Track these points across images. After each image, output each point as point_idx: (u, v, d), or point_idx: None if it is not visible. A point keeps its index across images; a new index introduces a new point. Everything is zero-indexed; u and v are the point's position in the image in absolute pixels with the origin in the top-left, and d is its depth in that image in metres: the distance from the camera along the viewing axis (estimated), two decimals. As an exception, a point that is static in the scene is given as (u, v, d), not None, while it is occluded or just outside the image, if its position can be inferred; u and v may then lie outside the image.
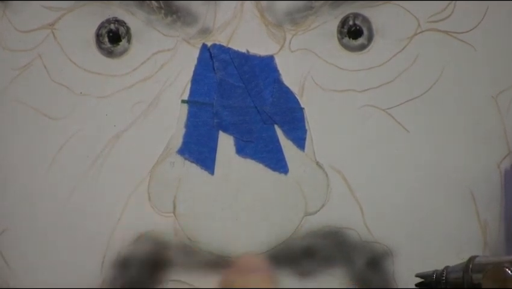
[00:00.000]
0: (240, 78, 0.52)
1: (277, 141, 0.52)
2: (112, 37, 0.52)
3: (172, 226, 0.52)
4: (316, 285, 0.52)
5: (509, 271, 0.41)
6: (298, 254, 0.52)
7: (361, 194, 0.53)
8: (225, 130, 0.52)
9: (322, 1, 0.52)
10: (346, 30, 0.53)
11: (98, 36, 0.52)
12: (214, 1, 0.52)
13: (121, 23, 0.52)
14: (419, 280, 0.48)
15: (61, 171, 0.52)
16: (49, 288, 0.52)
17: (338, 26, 0.53)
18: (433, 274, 0.46)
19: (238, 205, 0.52)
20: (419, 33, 0.53)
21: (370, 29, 0.53)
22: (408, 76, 0.53)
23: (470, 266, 0.44)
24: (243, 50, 0.52)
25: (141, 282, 0.52)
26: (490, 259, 0.44)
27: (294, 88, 0.53)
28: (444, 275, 0.46)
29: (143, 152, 0.52)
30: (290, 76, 0.52)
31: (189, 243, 0.52)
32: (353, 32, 0.53)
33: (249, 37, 0.52)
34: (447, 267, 0.46)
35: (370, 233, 0.53)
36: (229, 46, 0.52)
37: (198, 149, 0.52)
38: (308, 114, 0.53)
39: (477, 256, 0.45)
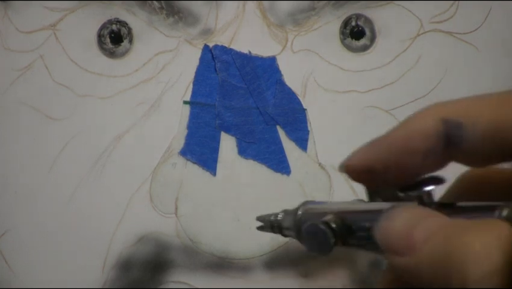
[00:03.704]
0: (242, 79, 0.52)
1: (280, 142, 0.52)
2: (114, 38, 0.52)
3: (174, 227, 0.52)
4: (318, 286, 0.52)
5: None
6: (300, 256, 0.52)
7: (364, 194, 0.53)
8: (227, 131, 0.52)
9: (324, 1, 0.52)
10: (348, 31, 0.52)
11: (100, 37, 0.52)
12: (215, 1, 0.51)
13: (123, 23, 0.52)
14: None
15: (63, 172, 0.52)
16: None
17: (340, 27, 0.52)
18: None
19: (240, 206, 0.52)
20: (422, 34, 0.53)
21: (372, 30, 0.53)
22: (410, 77, 0.53)
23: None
24: (245, 51, 0.52)
25: (143, 283, 0.52)
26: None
27: (297, 89, 0.52)
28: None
29: (144, 153, 0.52)
30: (292, 77, 0.52)
31: (191, 244, 0.51)
32: (356, 33, 0.52)
33: (251, 37, 0.52)
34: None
35: (373, 235, 0.53)
36: (231, 46, 0.52)
37: (200, 150, 0.52)
38: (310, 115, 0.52)
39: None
